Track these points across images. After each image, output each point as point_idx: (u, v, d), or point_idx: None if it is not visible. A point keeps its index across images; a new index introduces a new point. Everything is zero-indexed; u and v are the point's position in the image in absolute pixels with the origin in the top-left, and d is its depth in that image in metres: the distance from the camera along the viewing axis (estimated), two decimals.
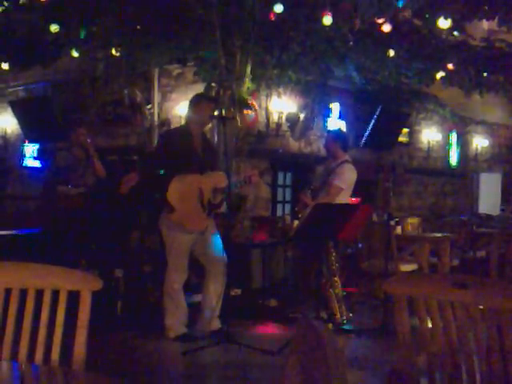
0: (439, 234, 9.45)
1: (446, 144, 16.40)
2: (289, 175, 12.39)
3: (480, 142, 17.64)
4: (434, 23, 8.26)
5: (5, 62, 9.93)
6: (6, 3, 8.01)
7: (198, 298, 7.04)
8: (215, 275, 6.79)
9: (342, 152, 7.97)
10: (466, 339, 2.76)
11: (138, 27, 8.44)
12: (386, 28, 8.21)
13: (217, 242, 6.89)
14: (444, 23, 8.10)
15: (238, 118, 9.22)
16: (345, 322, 7.23)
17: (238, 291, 8.23)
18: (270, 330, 7.51)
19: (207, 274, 6.83)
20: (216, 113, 7.39)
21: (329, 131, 10.11)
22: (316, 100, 11.69)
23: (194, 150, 6.74)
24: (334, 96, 12.15)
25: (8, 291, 2.79)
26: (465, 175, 17.28)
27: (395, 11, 8.15)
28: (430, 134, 15.59)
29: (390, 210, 8.15)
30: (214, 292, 6.80)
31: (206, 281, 6.84)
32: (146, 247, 8.12)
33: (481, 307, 2.73)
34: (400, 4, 7.87)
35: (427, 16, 8.44)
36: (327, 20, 7.74)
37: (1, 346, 2.76)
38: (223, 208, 6.83)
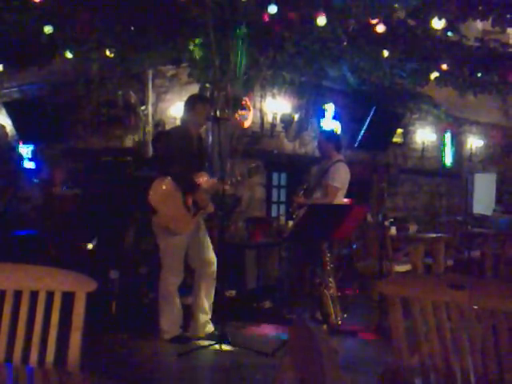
0: (434, 235, 9.47)
1: (441, 144, 16.43)
2: (283, 176, 12.39)
3: (474, 143, 17.68)
4: (428, 24, 8.27)
5: None
6: None
7: (192, 299, 7.04)
8: (206, 278, 6.80)
9: (335, 152, 8.01)
10: (460, 340, 2.77)
11: (132, 28, 8.43)
12: (380, 28, 8.21)
13: (208, 244, 6.89)
14: (438, 23, 8.11)
15: (233, 119, 9.22)
16: (339, 322, 7.23)
17: (233, 292, 8.23)
18: (265, 331, 7.50)
19: (198, 278, 6.84)
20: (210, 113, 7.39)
21: (321, 131, 10.13)
22: (310, 101, 11.70)
23: (194, 151, 6.76)
24: (328, 97, 12.16)
25: (2, 293, 2.79)
26: (459, 175, 17.32)
27: (389, 12, 8.16)
28: (424, 135, 15.60)
29: (385, 211, 8.15)
30: (205, 295, 6.80)
31: (197, 284, 6.84)
32: (141, 249, 8.12)
33: (476, 307, 2.73)
34: None
35: (421, 16, 8.44)
36: (321, 21, 7.74)
37: None
38: (210, 208, 6.81)
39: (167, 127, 10.21)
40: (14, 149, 11.85)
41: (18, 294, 2.80)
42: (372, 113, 12.77)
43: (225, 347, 6.43)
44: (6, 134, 12.69)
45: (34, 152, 12.82)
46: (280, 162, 11.75)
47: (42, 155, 12.06)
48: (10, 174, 9.85)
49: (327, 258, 7.29)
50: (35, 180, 10.08)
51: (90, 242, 8.29)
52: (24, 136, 12.73)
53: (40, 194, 9.50)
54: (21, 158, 11.74)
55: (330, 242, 7.39)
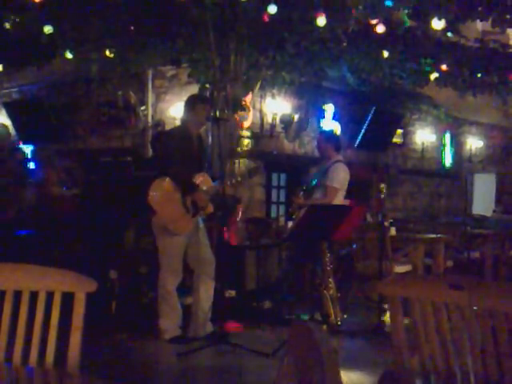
0: (433, 235, 9.46)
1: (440, 145, 16.43)
2: (283, 176, 12.39)
3: (474, 143, 17.68)
4: (428, 24, 8.26)
5: None
6: None
7: (191, 300, 7.03)
8: (205, 278, 6.79)
9: (334, 152, 7.99)
10: (460, 340, 2.76)
11: (132, 28, 8.43)
12: (380, 29, 8.21)
13: (207, 244, 6.89)
14: (438, 24, 8.10)
15: (232, 120, 9.22)
16: (339, 323, 7.23)
17: (233, 293, 8.22)
18: (265, 331, 7.50)
19: (197, 278, 6.83)
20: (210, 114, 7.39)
21: (321, 132, 10.13)
22: (310, 101, 11.71)
23: (193, 152, 6.76)
24: (328, 97, 12.16)
25: (2, 293, 2.79)
26: (459, 176, 17.31)
27: (389, 12, 8.15)
28: (424, 135, 15.61)
29: (385, 211, 8.15)
30: (205, 295, 6.79)
31: (196, 284, 6.84)
32: (141, 249, 8.11)
33: (475, 308, 2.73)
34: (389, 3, 7.84)
35: (421, 17, 8.44)
36: (321, 21, 7.73)
37: None
38: (210, 209, 6.80)
39: (167, 127, 10.21)
40: (18, 149, 11.86)
41: (17, 294, 2.80)
42: (372, 113, 12.77)
43: (224, 347, 6.43)
44: (9, 133, 12.70)
45: (33, 152, 12.83)
46: (280, 162, 11.75)
47: (38, 155, 12.08)
48: (11, 173, 9.85)
49: (327, 259, 7.29)
50: (29, 180, 10.08)
51: (89, 241, 8.29)
52: (24, 136, 12.73)
53: (34, 194, 9.49)
54: (26, 158, 11.76)
55: (329, 242, 7.39)
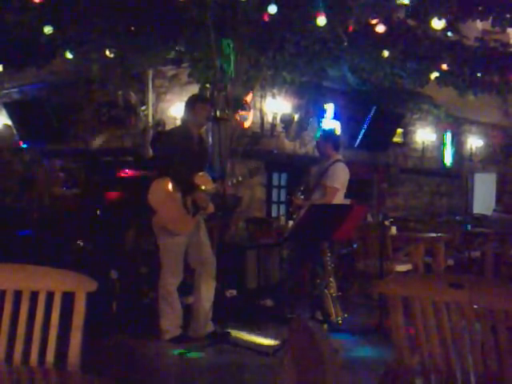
0: (434, 234, 9.46)
1: (441, 144, 16.44)
2: (284, 176, 12.39)
3: (474, 143, 17.70)
4: (428, 24, 8.26)
5: None
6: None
7: (192, 299, 7.03)
8: (206, 278, 6.78)
9: (333, 151, 7.97)
10: (460, 339, 2.76)
11: (132, 28, 8.42)
12: (380, 29, 8.21)
13: (208, 244, 6.88)
14: (438, 23, 8.10)
15: (233, 120, 9.22)
16: (340, 322, 7.22)
17: (234, 292, 8.22)
18: (266, 331, 7.49)
19: (198, 277, 6.82)
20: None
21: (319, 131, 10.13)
22: (310, 101, 11.70)
23: (194, 152, 6.76)
24: (328, 97, 12.16)
25: (3, 293, 2.79)
26: (459, 175, 17.32)
27: (389, 12, 8.15)
28: (424, 135, 15.61)
29: (385, 211, 8.15)
30: (205, 295, 6.79)
31: (198, 284, 6.83)
32: (142, 248, 8.11)
33: (475, 307, 2.73)
34: None
35: (421, 17, 8.44)
36: (321, 21, 7.73)
37: None
38: (211, 209, 6.80)
39: (167, 127, 10.21)
40: (24, 149, 11.89)
41: (18, 294, 2.80)
42: (372, 113, 12.78)
43: (225, 347, 6.43)
44: (13, 134, 12.72)
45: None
46: (280, 162, 11.75)
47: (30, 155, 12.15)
48: (16, 174, 9.89)
49: (327, 258, 7.29)
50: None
51: (89, 241, 8.29)
52: (24, 137, 12.74)
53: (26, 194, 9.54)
54: (32, 159, 11.80)
55: (330, 241, 7.38)
